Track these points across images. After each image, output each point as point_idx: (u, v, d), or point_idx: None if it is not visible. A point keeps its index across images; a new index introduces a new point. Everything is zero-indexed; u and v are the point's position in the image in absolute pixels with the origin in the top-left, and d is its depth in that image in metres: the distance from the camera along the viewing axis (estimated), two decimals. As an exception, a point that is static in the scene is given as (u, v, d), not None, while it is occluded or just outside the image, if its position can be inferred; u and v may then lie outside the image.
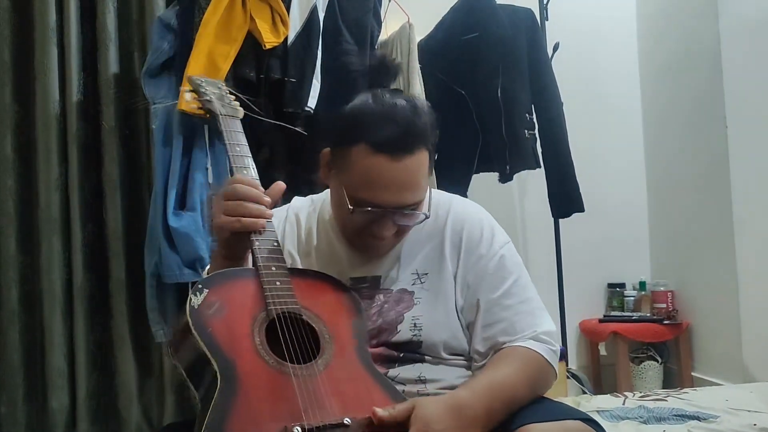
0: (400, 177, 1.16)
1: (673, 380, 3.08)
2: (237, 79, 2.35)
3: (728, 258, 2.73)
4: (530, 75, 2.65)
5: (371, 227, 1.20)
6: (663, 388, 2.96)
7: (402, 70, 2.50)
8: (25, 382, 2.57)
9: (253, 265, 1.17)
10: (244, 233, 1.15)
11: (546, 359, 1.19)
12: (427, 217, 1.23)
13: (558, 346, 1.24)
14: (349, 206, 1.18)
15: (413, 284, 1.26)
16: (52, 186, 2.57)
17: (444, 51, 2.69)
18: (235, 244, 1.17)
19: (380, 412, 0.99)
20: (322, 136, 1.36)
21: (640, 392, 2.52)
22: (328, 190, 1.38)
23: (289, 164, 2.58)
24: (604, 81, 3.33)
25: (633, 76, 3.40)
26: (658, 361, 3.03)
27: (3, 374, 2.55)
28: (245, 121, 1.40)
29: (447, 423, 1.01)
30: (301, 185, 2.61)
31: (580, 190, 2.67)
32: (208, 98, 1.39)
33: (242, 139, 1.31)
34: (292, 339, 1.08)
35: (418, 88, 2.49)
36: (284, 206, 1.43)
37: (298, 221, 1.37)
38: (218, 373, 1.00)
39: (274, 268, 1.15)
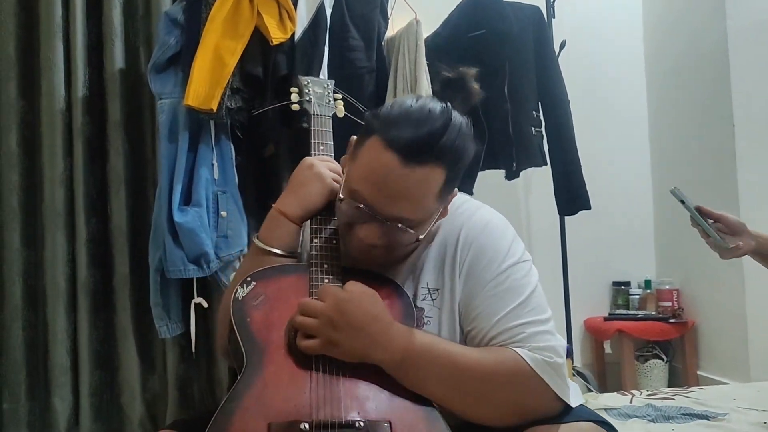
0: (401, 184, 1.07)
1: (678, 379, 3.07)
2: (243, 75, 2.34)
3: (735, 259, 2.72)
4: (537, 72, 2.64)
5: (356, 228, 1.14)
6: (668, 387, 2.97)
7: (411, 68, 2.50)
8: (27, 379, 2.55)
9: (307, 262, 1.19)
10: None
11: (531, 367, 1.05)
12: (418, 241, 1.14)
13: (562, 360, 1.10)
14: (340, 195, 1.15)
15: (424, 299, 1.20)
16: (57, 181, 2.56)
17: (450, 48, 2.68)
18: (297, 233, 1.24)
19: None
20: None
21: (647, 390, 2.51)
22: None
23: (294, 159, 2.58)
24: (610, 79, 3.33)
25: (640, 75, 3.40)
26: (663, 360, 3.03)
27: (6, 370, 2.54)
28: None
29: (357, 309, 1.05)
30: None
31: (587, 188, 2.66)
32: (309, 98, 1.54)
33: (328, 138, 1.42)
34: None
35: (425, 85, 2.48)
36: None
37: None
38: (245, 362, 1.02)
39: (326, 266, 1.17)
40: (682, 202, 1.65)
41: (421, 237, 1.14)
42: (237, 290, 1.11)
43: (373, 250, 1.15)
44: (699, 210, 1.65)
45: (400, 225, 1.10)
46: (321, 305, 1.04)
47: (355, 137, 1.21)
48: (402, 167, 1.06)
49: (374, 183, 1.09)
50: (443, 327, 1.18)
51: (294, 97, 1.65)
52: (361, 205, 1.10)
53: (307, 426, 0.96)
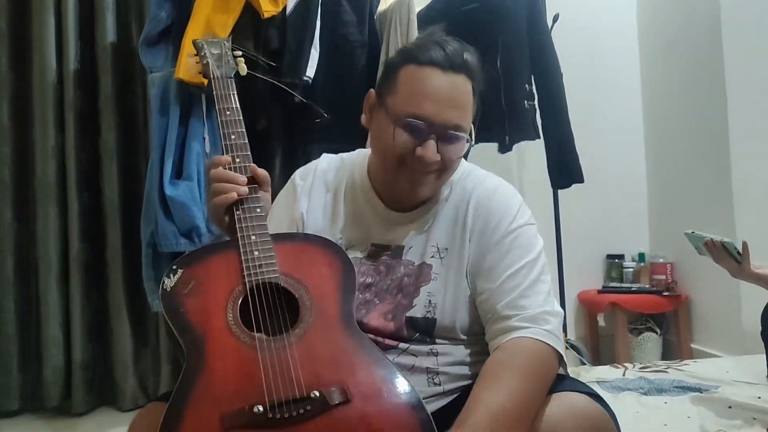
0: (446, 89, 1.15)
1: (671, 351, 3.08)
2: (235, 49, 2.33)
3: (728, 230, 2.72)
4: (530, 46, 2.62)
5: (414, 151, 1.16)
6: (661, 359, 2.97)
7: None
8: (20, 351, 2.57)
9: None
10: (226, 209, 1.17)
11: (552, 346, 1.11)
12: (470, 143, 1.19)
13: (560, 334, 1.16)
14: (395, 124, 1.15)
15: (432, 257, 1.23)
16: (49, 154, 2.57)
17: (443, 21, 2.63)
18: (227, 224, 1.19)
19: None
20: (355, 98, 1.36)
21: (640, 363, 2.52)
22: (358, 151, 1.39)
23: (286, 133, 2.57)
24: (603, 52, 3.32)
25: (633, 48, 3.38)
26: (656, 333, 3.04)
27: (-2, 343, 2.56)
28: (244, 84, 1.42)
29: None
30: (299, 153, 2.63)
31: (580, 161, 2.65)
32: (206, 62, 1.40)
33: (232, 102, 1.31)
34: (268, 310, 1.07)
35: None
36: (312, 164, 1.39)
37: (325, 182, 1.34)
38: (187, 354, 0.99)
39: (254, 237, 1.14)
40: (700, 239, 1.71)
41: (470, 142, 1.19)
42: (164, 281, 1.07)
43: (428, 174, 1.19)
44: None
45: (455, 132, 1.15)
46: None
47: (372, 90, 1.26)
48: (443, 75, 1.15)
49: (425, 95, 1.14)
50: (449, 285, 1.20)
51: (191, 61, 1.60)
52: (420, 122, 1.14)
53: (261, 408, 0.93)
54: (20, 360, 2.57)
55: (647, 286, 3.08)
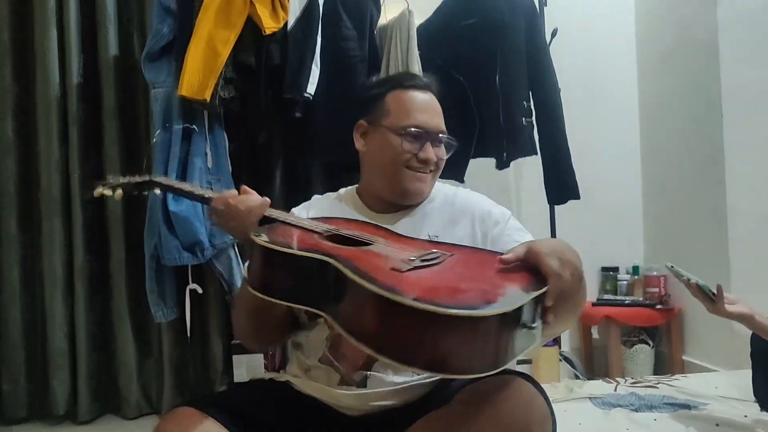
0: (430, 104, 1.46)
1: (663, 364, 3.12)
2: (237, 65, 2.36)
3: (721, 244, 2.76)
4: (528, 61, 2.64)
5: (418, 155, 1.41)
6: (654, 372, 3.02)
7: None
8: (26, 361, 2.62)
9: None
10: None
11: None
12: (454, 145, 1.47)
13: None
14: (400, 135, 1.40)
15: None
16: (53, 167, 2.59)
17: (443, 37, 2.68)
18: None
19: (506, 256, 1.13)
20: (355, 115, 1.54)
21: (632, 378, 2.57)
22: (345, 188, 1.58)
23: (286, 147, 2.60)
24: (601, 68, 3.33)
25: (630, 64, 3.39)
26: (649, 345, 3.08)
27: (4, 353, 2.60)
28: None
29: (564, 248, 1.14)
30: (299, 167, 2.66)
31: (576, 176, 2.68)
32: None
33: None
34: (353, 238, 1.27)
35: (416, 73, 2.50)
36: (304, 204, 1.57)
37: (319, 204, 1.55)
38: (330, 261, 1.08)
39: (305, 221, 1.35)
40: (679, 275, 1.79)
41: (453, 140, 1.47)
42: (257, 236, 1.18)
43: (427, 174, 1.44)
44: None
45: (445, 136, 1.45)
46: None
47: (361, 120, 1.50)
48: (423, 93, 1.47)
49: (418, 109, 1.43)
50: None
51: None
52: (420, 130, 1.41)
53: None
54: (27, 368, 2.62)
55: (641, 299, 3.12)
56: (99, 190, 1.48)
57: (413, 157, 1.41)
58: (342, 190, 1.59)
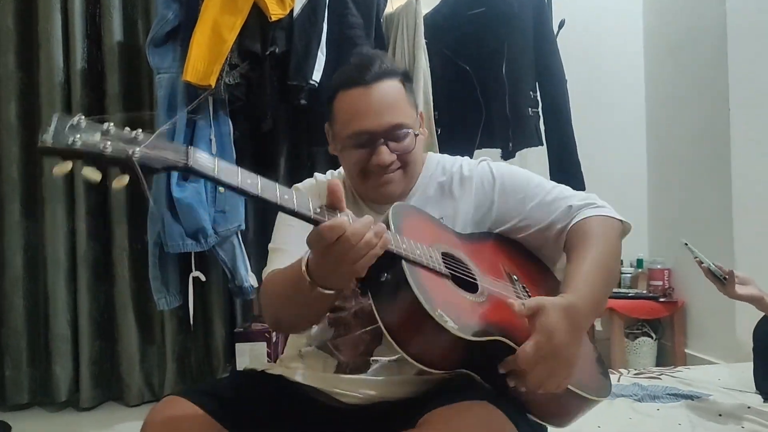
0: (375, 100, 1.27)
1: (666, 356, 3.13)
2: (242, 51, 2.35)
3: (726, 238, 2.75)
4: (535, 52, 2.63)
5: (371, 161, 1.28)
6: (656, 364, 3.02)
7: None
8: (29, 347, 2.62)
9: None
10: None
11: (614, 217, 1.34)
12: (416, 135, 1.31)
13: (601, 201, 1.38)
14: (348, 146, 1.28)
15: None
16: (56, 153, 2.58)
17: (449, 26, 2.67)
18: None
19: (515, 303, 1.10)
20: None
21: (635, 369, 2.57)
22: (330, 172, 1.48)
23: (291, 134, 2.60)
24: (608, 60, 3.32)
25: (638, 56, 3.38)
26: (652, 338, 3.08)
27: (7, 338, 2.61)
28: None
29: (565, 332, 1.07)
30: (303, 155, 2.65)
31: (582, 168, 2.67)
32: None
33: None
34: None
35: (423, 63, 2.48)
36: (309, 180, 1.47)
37: (321, 196, 1.37)
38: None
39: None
40: (692, 253, 1.84)
41: (418, 134, 1.32)
42: (447, 324, 1.05)
43: (391, 174, 1.30)
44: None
45: (399, 130, 1.28)
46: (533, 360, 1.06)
47: (327, 124, 1.36)
48: (367, 89, 1.26)
49: (360, 113, 1.27)
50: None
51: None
52: (363, 135, 1.27)
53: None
54: (30, 355, 2.62)
55: (644, 291, 3.12)
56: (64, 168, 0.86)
57: (367, 164, 1.29)
58: (343, 171, 1.44)
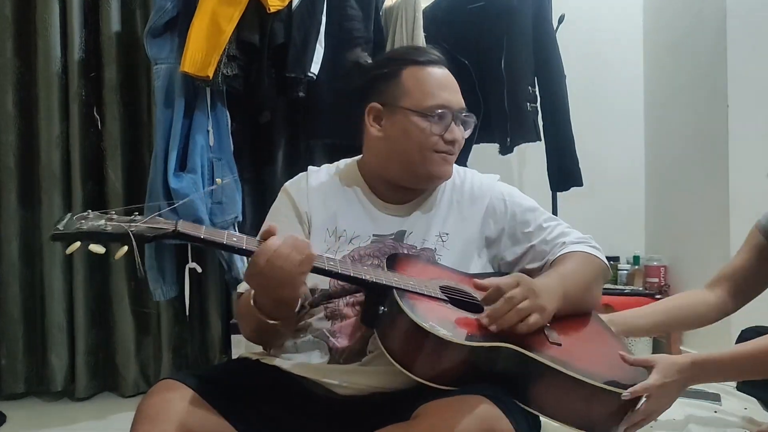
0: (450, 81, 1.37)
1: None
2: (240, 43, 2.34)
3: (722, 236, 2.75)
4: (534, 47, 2.62)
5: (445, 137, 1.33)
6: (651, 362, 3.02)
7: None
8: (25, 336, 2.62)
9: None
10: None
11: (599, 257, 1.40)
12: (475, 123, 1.40)
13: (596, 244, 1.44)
14: (425, 117, 1.32)
15: (436, 243, 1.36)
16: (53, 143, 2.58)
17: (449, 19, 2.66)
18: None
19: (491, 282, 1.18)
20: (362, 97, 1.42)
21: (629, 365, 2.57)
22: (340, 161, 1.50)
23: (289, 126, 2.59)
24: (608, 55, 3.31)
25: (637, 52, 3.37)
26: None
27: (3, 328, 2.61)
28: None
29: (544, 295, 1.18)
30: (301, 147, 2.65)
31: (580, 164, 2.67)
32: None
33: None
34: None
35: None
36: (299, 176, 1.49)
37: (319, 186, 1.44)
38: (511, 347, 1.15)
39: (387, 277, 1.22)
40: None
41: (475, 122, 1.40)
42: (434, 329, 1.11)
43: (452, 156, 1.36)
44: None
45: (467, 114, 1.37)
46: (512, 282, 1.16)
47: (373, 103, 1.38)
48: (443, 70, 1.37)
49: (440, 87, 1.34)
50: (454, 263, 1.35)
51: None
52: (445, 108, 1.33)
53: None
54: (25, 344, 2.62)
55: (641, 288, 3.11)
56: (74, 247, 1.06)
57: (440, 140, 1.33)
58: (342, 166, 1.49)
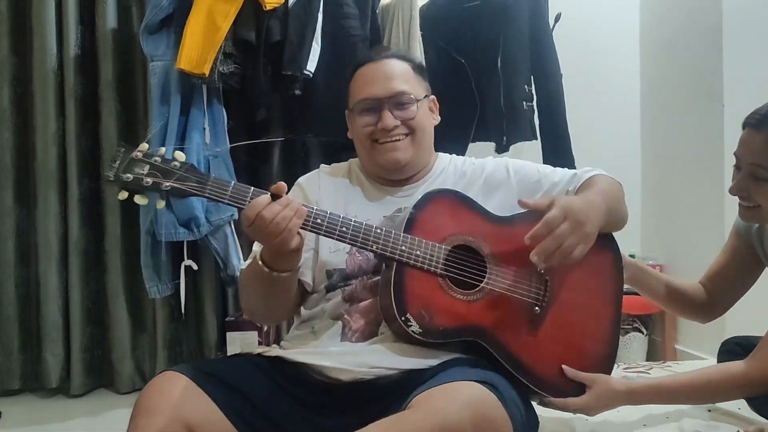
0: (382, 70, 1.43)
1: (656, 352, 3.14)
2: (236, 40, 2.34)
3: (718, 235, 2.75)
4: (531, 46, 2.61)
5: (377, 126, 1.40)
6: (646, 359, 3.03)
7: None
8: (20, 333, 2.62)
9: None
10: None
11: (615, 180, 1.51)
12: (418, 100, 1.43)
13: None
14: (356, 113, 1.43)
15: None
16: (49, 140, 2.58)
17: (445, 18, 2.66)
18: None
19: (527, 200, 1.30)
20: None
21: (625, 363, 2.58)
22: (353, 159, 1.60)
23: (285, 124, 2.59)
24: (604, 54, 3.31)
25: (633, 51, 3.37)
26: (643, 333, 3.09)
27: (-1, 324, 2.60)
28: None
29: (582, 205, 1.27)
30: (297, 145, 2.65)
31: (576, 163, 2.67)
32: None
33: None
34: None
35: (417, 55, 2.47)
36: (314, 171, 1.59)
37: (330, 176, 1.54)
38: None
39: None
40: None
41: (420, 102, 1.44)
42: (410, 328, 1.24)
43: (398, 141, 1.41)
44: None
45: (402, 97, 1.41)
46: (559, 215, 1.23)
47: (347, 109, 1.51)
48: (376, 63, 1.45)
49: (366, 81, 1.43)
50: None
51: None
52: (369, 101, 1.41)
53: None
54: (21, 341, 2.62)
55: (636, 287, 3.12)
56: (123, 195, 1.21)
57: (375, 129, 1.41)
58: (353, 163, 1.59)
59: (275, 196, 1.21)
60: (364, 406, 1.20)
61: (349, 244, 1.28)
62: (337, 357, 1.26)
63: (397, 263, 1.25)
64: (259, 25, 2.36)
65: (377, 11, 2.53)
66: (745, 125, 1.49)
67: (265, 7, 2.31)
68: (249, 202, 1.21)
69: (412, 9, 2.50)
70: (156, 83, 2.40)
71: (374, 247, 1.26)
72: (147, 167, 1.20)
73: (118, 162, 1.20)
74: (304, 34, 2.37)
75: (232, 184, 1.24)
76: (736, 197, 1.57)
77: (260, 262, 1.26)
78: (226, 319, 2.61)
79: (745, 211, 1.52)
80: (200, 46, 2.27)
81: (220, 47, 2.29)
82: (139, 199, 1.22)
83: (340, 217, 1.27)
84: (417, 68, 1.51)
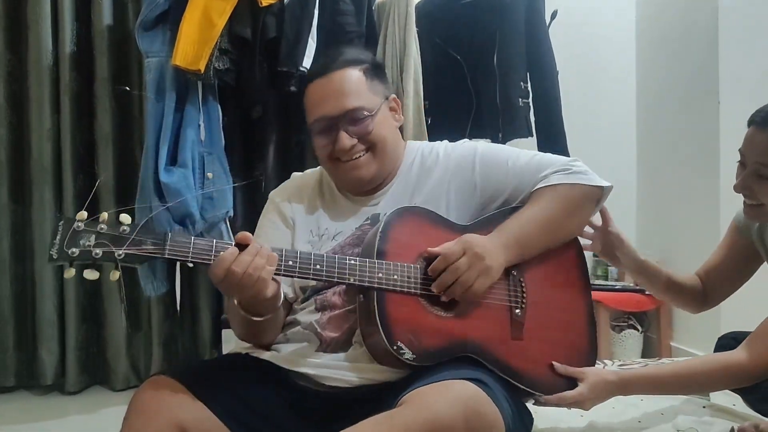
0: (330, 87, 1.34)
1: (651, 349, 3.14)
2: (232, 36, 2.33)
3: (713, 232, 2.75)
4: (527, 43, 2.62)
5: (333, 147, 1.33)
6: (642, 357, 3.04)
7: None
8: (15, 331, 2.62)
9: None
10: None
11: (580, 182, 1.37)
12: (372, 114, 1.35)
13: (583, 165, 1.42)
14: (313, 135, 1.36)
15: None
16: (45, 136, 2.58)
17: (441, 15, 2.66)
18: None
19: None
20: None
21: (620, 360, 2.58)
22: (319, 171, 1.52)
23: (280, 122, 2.58)
24: (600, 52, 3.32)
25: (629, 48, 3.38)
26: (638, 330, 3.10)
27: (-6, 321, 2.60)
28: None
29: (482, 241, 1.24)
30: (292, 143, 2.65)
31: (571, 161, 2.67)
32: None
33: None
34: None
35: (414, 52, 2.47)
36: (285, 182, 1.54)
37: (299, 189, 1.48)
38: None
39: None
40: None
41: (376, 113, 1.35)
42: (403, 356, 1.20)
43: (357, 158, 1.34)
44: None
45: (355, 114, 1.32)
46: (458, 250, 1.22)
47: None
48: (324, 78, 1.35)
49: (318, 101, 1.35)
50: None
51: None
52: (322, 121, 1.33)
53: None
54: (16, 338, 2.63)
55: (631, 284, 3.13)
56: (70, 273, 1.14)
57: (332, 150, 1.34)
58: (321, 177, 1.50)
59: (242, 246, 1.13)
60: (352, 406, 1.20)
61: (326, 282, 1.25)
62: (315, 367, 1.26)
63: (377, 292, 1.20)
64: (255, 21, 2.36)
65: (373, 8, 2.53)
66: (750, 123, 1.48)
67: (261, 3, 2.31)
68: (214, 257, 1.13)
69: (408, 6, 2.49)
70: (151, 79, 2.39)
71: (352, 279, 1.20)
72: (93, 237, 1.10)
73: (59, 236, 1.10)
74: (300, 30, 2.37)
75: (192, 240, 1.14)
76: (733, 193, 1.57)
77: (240, 310, 1.22)
78: (222, 317, 2.61)
79: (750, 209, 1.53)
80: (196, 42, 2.27)
81: (216, 43, 2.29)
82: (89, 274, 1.12)
83: (311, 255, 1.21)
84: (371, 70, 1.39)
